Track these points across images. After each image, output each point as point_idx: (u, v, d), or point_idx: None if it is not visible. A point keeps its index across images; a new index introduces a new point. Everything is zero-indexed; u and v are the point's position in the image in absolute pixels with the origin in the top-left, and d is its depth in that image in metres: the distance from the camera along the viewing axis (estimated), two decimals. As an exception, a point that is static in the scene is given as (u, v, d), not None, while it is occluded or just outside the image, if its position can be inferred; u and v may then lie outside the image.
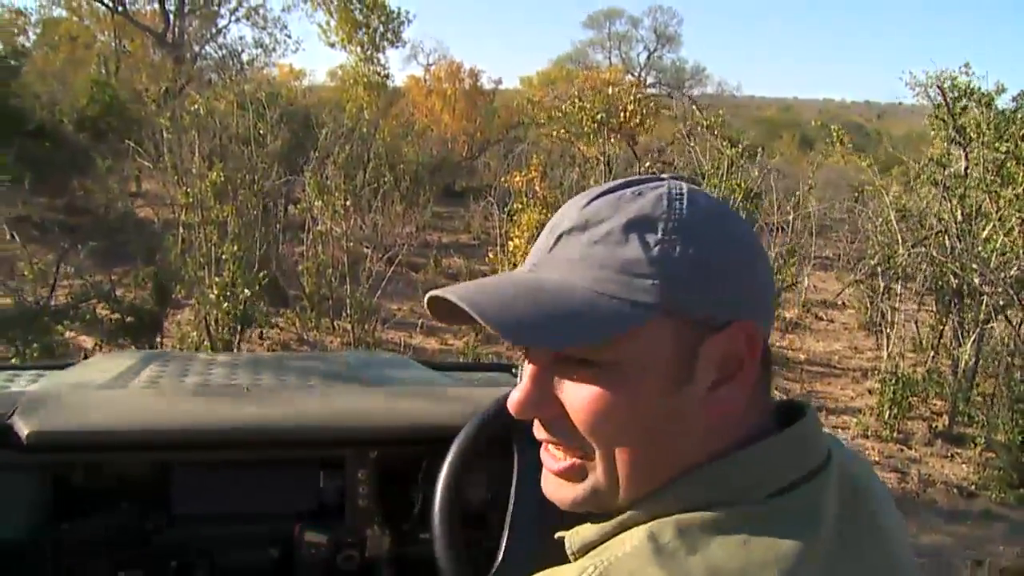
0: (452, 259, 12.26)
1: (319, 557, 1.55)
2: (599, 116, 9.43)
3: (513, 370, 2.39)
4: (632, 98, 9.66)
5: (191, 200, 7.01)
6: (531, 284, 0.75)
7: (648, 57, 38.82)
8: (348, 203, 7.99)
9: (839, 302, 11.46)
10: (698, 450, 0.75)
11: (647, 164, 9.46)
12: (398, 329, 8.47)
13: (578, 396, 0.74)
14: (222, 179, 7.15)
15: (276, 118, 9.31)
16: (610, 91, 11.29)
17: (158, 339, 6.89)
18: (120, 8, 20.27)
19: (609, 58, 38.55)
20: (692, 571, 0.66)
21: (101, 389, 1.86)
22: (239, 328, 6.82)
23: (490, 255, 9.72)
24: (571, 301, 0.72)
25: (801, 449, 0.76)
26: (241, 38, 28.84)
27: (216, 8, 21.66)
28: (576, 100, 9.98)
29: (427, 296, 0.79)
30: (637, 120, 9.45)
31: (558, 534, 0.82)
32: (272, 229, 8.53)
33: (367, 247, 9.51)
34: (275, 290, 8.25)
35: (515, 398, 0.78)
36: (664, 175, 0.79)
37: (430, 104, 22.10)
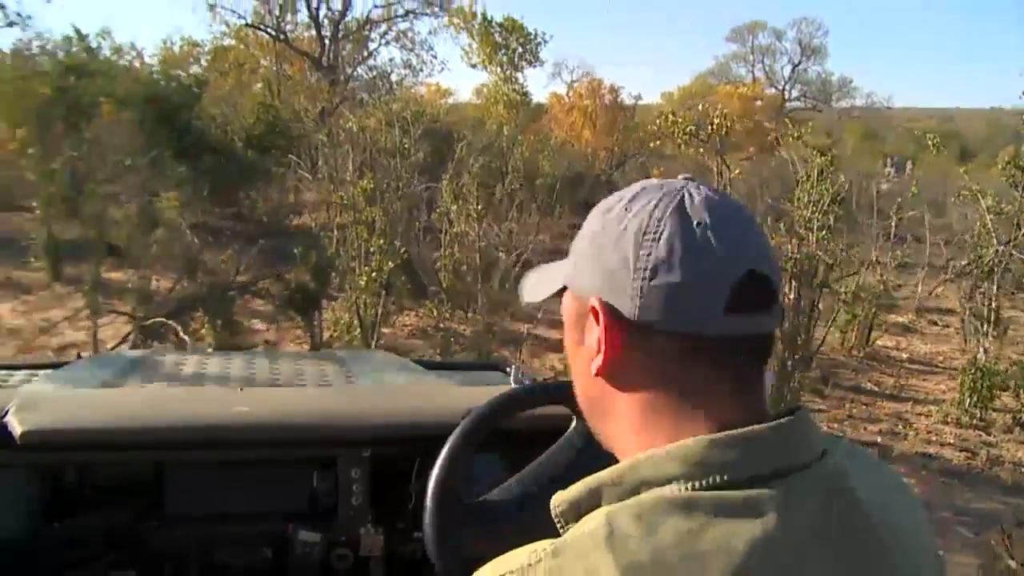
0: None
1: (312, 556, 1.57)
2: (688, 128, 10.19)
3: (506, 369, 2.45)
4: (719, 111, 10.30)
5: (345, 203, 8.15)
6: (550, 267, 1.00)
7: (792, 70, 38.55)
8: (481, 208, 8.96)
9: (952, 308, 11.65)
10: (623, 424, 0.83)
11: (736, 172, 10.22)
12: (523, 321, 9.35)
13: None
14: (371, 186, 8.25)
15: (419, 133, 10.43)
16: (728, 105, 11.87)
17: (316, 314, 8.08)
18: (281, 36, 22.12)
19: (752, 72, 38.49)
20: (637, 557, 0.68)
21: (95, 388, 1.91)
22: (381, 310, 7.88)
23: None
24: (552, 275, 0.94)
25: (775, 446, 0.76)
26: (390, 60, 30.65)
27: (367, 33, 23.32)
28: (670, 115, 10.72)
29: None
30: (724, 131, 10.10)
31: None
32: (413, 230, 9.62)
33: (501, 251, 10.48)
34: (415, 284, 9.32)
35: None
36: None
37: (571, 120, 22.97)
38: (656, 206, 0.79)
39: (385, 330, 8.49)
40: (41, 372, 2.19)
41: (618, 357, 0.80)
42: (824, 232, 7.73)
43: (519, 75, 17.63)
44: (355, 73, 24.11)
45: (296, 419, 1.65)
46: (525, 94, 17.85)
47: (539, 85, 45.27)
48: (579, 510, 0.78)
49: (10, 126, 12.88)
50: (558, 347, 8.41)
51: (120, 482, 1.58)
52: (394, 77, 24.09)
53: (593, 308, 0.80)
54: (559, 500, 0.81)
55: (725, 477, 0.73)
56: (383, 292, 7.73)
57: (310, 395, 1.91)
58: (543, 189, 15.39)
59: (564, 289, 0.89)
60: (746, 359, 0.80)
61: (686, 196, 0.80)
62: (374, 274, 7.20)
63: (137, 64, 20.20)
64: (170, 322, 6.95)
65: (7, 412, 1.52)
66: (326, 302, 9.02)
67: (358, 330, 7.54)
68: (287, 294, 7.83)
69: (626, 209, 0.81)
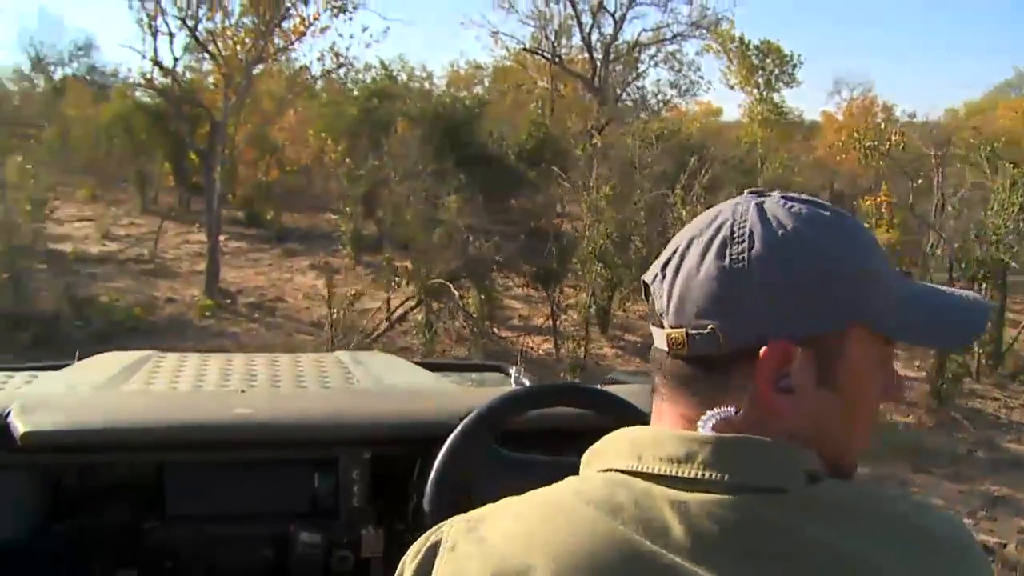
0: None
1: (313, 557, 1.58)
2: (868, 144, 10.96)
3: (508, 371, 2.49)
4: (897, 128, 11.04)
5: (589, 206, 9.87)
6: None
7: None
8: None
9: None
10: None
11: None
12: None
13: None
14: (611, 193, 9.90)
15: (668, 148, 11.96)
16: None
17: (557, 289, 9.91)
18: (556, 59, 24.30)
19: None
20: (489, 536, 0.76)
21: (96, 390, 1.92)
22: (612, 294, 9.51)
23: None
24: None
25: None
26: (657, 80, 32.15)
27: (637, 55, 24.99)
28: (855, 132, 11.53)
29: None
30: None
31: None
32: (652, 233, 11.18)
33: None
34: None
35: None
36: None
37: (841, 138, 23.27)
38: None
39: (619, 313, 10.12)
40: (42, 373, 2.21)
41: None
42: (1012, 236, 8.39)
43: (776, 95, 18.55)
44: (624, 93, 25.85)
45: (297, 420, 1.67)
46: (783, 113, 18.76)
47: (817, 103, 44.97)
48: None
49: (333, 141, 15.72)
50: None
51: (121, 483, 1.61)
52: (660, 97, 25.63)
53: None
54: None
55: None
56: (615, 282, 9.36)
57: (311, 396, 1.93)
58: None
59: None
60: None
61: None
62: (603, 268, 8.82)
63: (427, 85, 23.32)
64: (448, 283, 9.03)
65: (8, 413, 1.52)
66: (573, 291, 10.77)
67: (592, 308, 9.29)
68: (535, 270, 9.69)
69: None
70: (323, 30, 10.82)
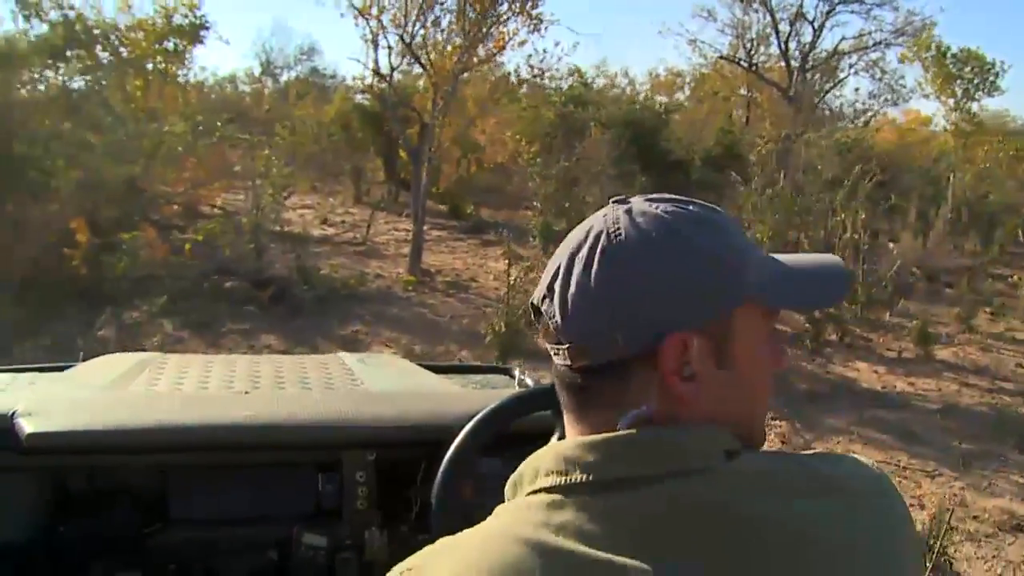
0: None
1: (317, 559, 1.59)
2: None
3: (512, 373, 2.50)
4: None
5: (753, 204, 10.78)
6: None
7: None
8: (864, 218, 10.97)
9: None
10: None
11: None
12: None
13: None
14: (773, 195, 10.76)
15: (852, 157, 12.68)
16: None
17: None
18: (753, 67, 24.79)
19: None
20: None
21: (100, 392, 1.95)
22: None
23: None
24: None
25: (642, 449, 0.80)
26: (856, 89, 31.70)
27: (835, 63, 25.06)
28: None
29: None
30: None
31: None
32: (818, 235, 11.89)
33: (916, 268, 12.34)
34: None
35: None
36: None
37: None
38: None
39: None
40: (46, 375, 2.22)
41: None
42: None
43: (975, 104, 18.38)
44: (822, 102, 25.92)
45: (301, 422, 1.66)
46: (980, 123, 18.58)
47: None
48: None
49: (527, 142, 17.11)
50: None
51: (125, 485, 1.60)
52: (859, 106, 25.57)
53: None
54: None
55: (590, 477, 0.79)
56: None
57: (315, 398, 1.92)
58: (981, 215, 16.35)
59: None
60: None
61: None
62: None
63: (629, 91, 24.47)
64: None
65: (13, 415, 1.54)
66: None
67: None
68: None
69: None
70: (521, 44, 12.17)
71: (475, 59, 12.16)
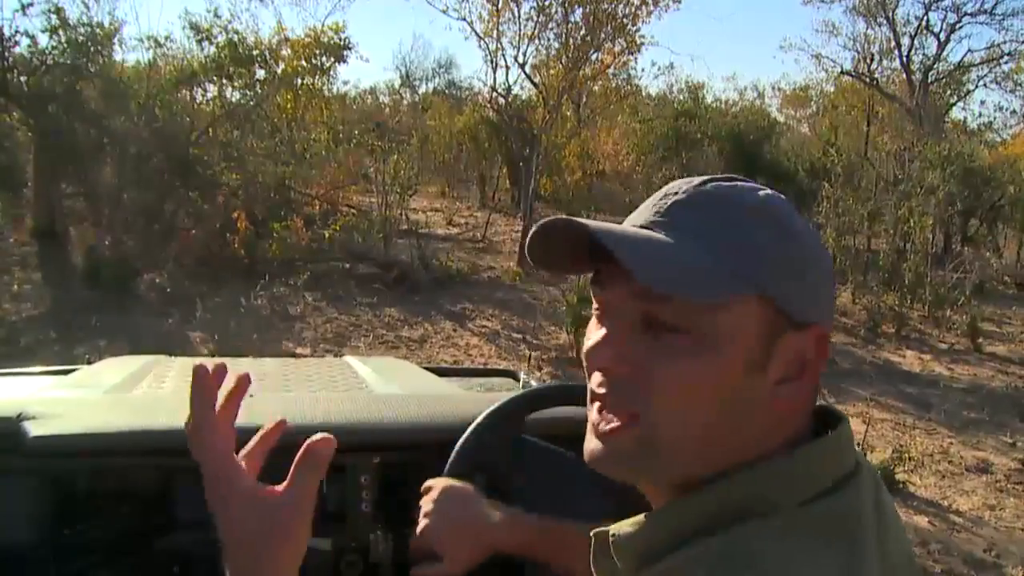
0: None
1: (321, 563, 1.58)
2: None
3: (518, 376, 2.54)
4: None
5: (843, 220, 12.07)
6: (656, 238, 0.80)
7: None
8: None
9: None
10: (750, 446, 0.79)
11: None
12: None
13: (663, 360, 0.78)
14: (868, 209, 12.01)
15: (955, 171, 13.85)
16: None
17: None
18: (874, 81, 25.42)
19: None
20: None
21: (105, 394, 1.96)
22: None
23: None
24: (692, 260, 0.77)
25: (838, 454, 0.80)
26: (982, 102, 31.47)
27: (960, 76, 25.39)
28: None
29: (545, 224, 0.84)
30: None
31: (597, 530, 0.87)
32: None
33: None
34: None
35: (597, 342, 0.83)
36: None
37: None
38: (792, 216, 0.82)
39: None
40: (51, 377, 2.25)
41: (811, 388, 0.81)
42: None
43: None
44: (947, 115, 26.21)
45: (306, 425, 1.63)
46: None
47: None
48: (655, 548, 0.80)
49: (639, 153, 18.55)
50: None
51: (129, 487, 1.60)
52: (983, 119, 25.78)
53: (821, 337, 0.80)
54: (620, 534, 0.84)
55: (796, 494, 0.76)
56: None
57: (320, 401, 1.90)
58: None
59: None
60: None
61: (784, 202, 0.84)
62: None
63: (758, 103, 25.50)
64: None
65: (18, 418, 1.55)
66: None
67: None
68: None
69: (797, 220, 0.82)
70: (623, 65, 13.78)
71: (581, 78, 13.83)
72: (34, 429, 1.51)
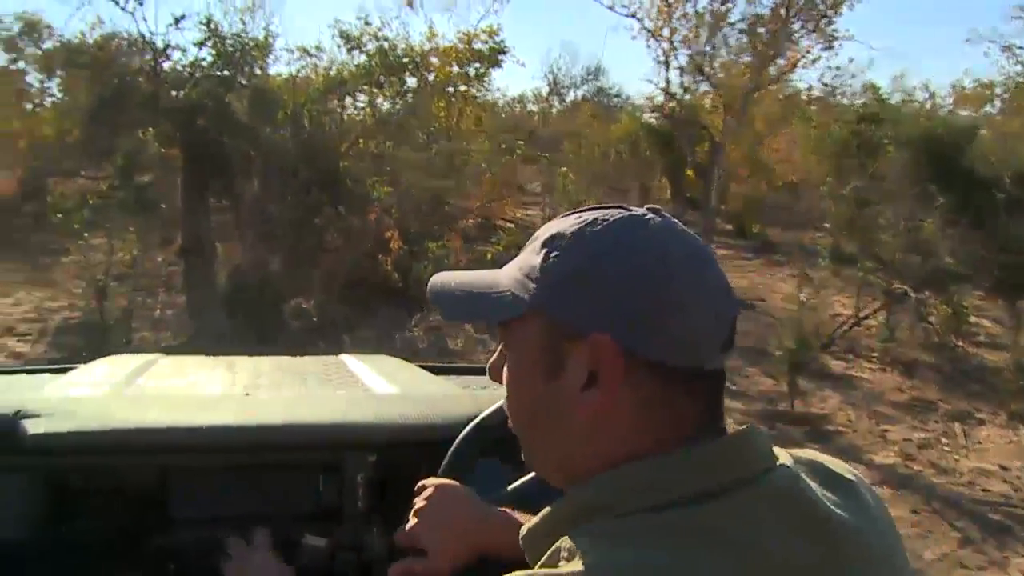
0: None
1: (317, 561, 1.59)
2: None
3: None
4: None
5: None
6: (479, 276, 0.98)
7: None
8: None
9: None
10: (602, 454, 0.85)
11: None
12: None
13: (506, 370, 0.94)
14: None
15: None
16: None
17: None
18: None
19: None
20: None
21: (103, 392, 1.99)
22: None
23: None
24: (488, 291, 0.92)
25: (712, 465, 0.81)
26: None
27: None
28: None
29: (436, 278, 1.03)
30: None
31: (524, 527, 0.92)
32: None
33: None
34: None
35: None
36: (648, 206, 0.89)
37: None
38: (651, 241, 0.84)
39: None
40: (49, 375, 2.27)
41: (614, 395, 0.83)
42: None
43: None
44: None
45: (302, 423, 1.69)
46: None
47: None
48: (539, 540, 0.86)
49: (817, 161, 16.99)
50: None
51: (126, 485, 1.61)
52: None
53: (603, 344, 0.81)
54: (526, 530, 0.91)
55: (659, 496, 0.79)
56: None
57: (316, 399, 1.95)
58: None
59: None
60: (718, 394, 0.86)
61: (669, 229, 0.86)
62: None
63: (929, 105, 23.42)
64: (910, 292, 10.05)
65: (15, 416, 1.57)
66: None
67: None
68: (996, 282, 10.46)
69: (616, 243, 0.84)
70: (814, 61, 12.24)
71: (766, 77, 12.35)
72: (32, 427, 1.53)
